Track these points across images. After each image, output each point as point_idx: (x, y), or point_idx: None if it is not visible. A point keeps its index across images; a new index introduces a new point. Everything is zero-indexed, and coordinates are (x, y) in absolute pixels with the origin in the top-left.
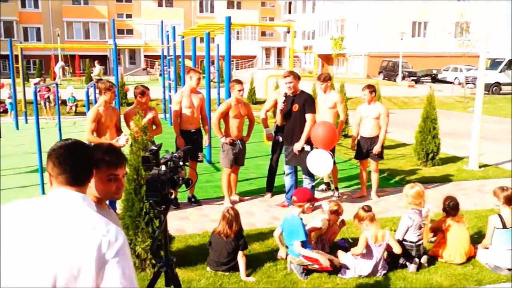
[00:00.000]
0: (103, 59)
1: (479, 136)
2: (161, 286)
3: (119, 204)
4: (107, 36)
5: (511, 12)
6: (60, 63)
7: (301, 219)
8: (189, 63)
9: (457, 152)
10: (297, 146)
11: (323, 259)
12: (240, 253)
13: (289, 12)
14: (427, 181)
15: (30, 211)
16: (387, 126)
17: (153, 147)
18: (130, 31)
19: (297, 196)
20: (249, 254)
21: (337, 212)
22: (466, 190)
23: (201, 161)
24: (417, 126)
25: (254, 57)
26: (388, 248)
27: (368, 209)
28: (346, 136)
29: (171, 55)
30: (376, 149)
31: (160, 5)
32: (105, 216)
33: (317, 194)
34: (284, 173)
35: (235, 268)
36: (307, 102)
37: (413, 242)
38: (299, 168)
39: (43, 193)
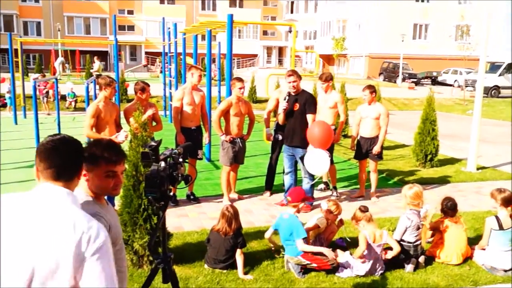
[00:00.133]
0: (103, 55)
1: (478, 138)
2: (159, 283)
3: (118, 201)
4: (108, 32)
5: (511, 15)
6: (60, 58)
7: (297, 217)
8: (190, 60)
9: (456, 154)
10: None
11: (327, 251)
12: (238, 251)
13: (291, 12)
14: (425, 182)
15: (13, 204)
16: (387, 127)
17: (153, 143)
18: (131, 28)
19: (292, 196)
20: (247, 252)
21: (332, 211)
22: (463, 192)
23: (201, 159)
24: (416, 128)
25: (256, 56)
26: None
27: (364, 209)
28: (345, 136)
29: (172, 52)
30: (376, 149)
31: (162, 2)
32: (104, 211)
33: (316, 194)
34: (283, 172)
35: (233, 266)
36: (308, 102)
37: (411, 243)
38: (298, 167)
39: None
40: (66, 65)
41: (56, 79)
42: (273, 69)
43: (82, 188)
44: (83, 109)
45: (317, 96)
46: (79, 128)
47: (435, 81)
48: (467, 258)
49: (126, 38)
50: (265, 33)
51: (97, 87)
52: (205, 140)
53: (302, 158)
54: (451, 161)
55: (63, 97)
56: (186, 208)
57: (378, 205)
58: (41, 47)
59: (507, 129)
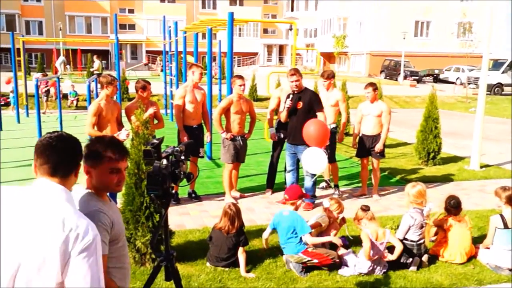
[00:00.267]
0: (105, 54)
1: (481, 136)
2: (161, 280)
3: (120, 198)
4: (109, 31)
5: (511, 15)
6: (61, 58)
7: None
8: (191, 59)
9: (459, 152)
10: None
11: (335, 238)
12: (240, 249)
13: (292, 10)
14: (428, 180)
15: (7, 198)
16: (389, 124)
17: (155, 141)
18: (132, 26)
19: (289, 194)
20: (249, 250)
21: (331, 210)
22: (467, 190)
23: (202, 157)
24: (418, 125)
25: (256, 54)
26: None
27: (366, 208)
28: (347, 134)
29: (173, 51)
30: (378, 146)
31: (162, 0)
32: (106, 208)
33: (318, 192)
34: (285, 170)
35: (235, 264)
36: (314, 101)
37: (414, 241)
38: (300, 165)
39: None
40: (68, 66)
41: (58, 78)
42: (273, 67)
43: (84, 185)
44: (85, 108)
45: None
46: (81, 126)
47: (437, 79)
48: (471, 257)
49: (127, 37)
50: (265, 31)
51: (99, 85)
52: (206, 138)
53: None
54: (454, 159)
55: (65, 96)
56: (188, 206)
57: (380, 203)
58: (43, 46)
59: (510, 127)
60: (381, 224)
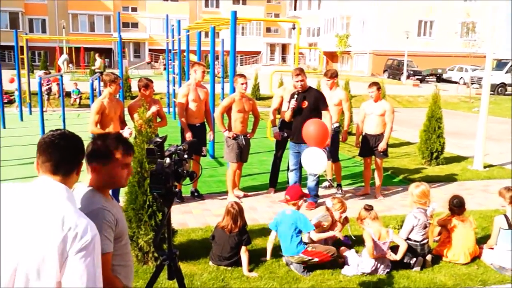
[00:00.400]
0: (108, 52)
1: (484, 136)
2: (164, 279)
3: (122, 197)
4: (112, 29)
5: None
6: (64, 56)
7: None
8: (193, 57)
9: (462, 152)
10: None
11: (338, 233)
12: (243, 248)
13: (295, 9)
14: (431, 180)
15: (8, 195)
16: (392, 123)
17: (158, 139)
18: (135, 25)
19: (290, 195)
20: (252, 250)
21: (331, 212)
22: (470, 190)
23: (205, 156)
24: (421, 125)
25: (259, 53)
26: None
27: (369, 208)
28: (350, 133)
29: (176, 49)
30: (382, 146)
31: None
32: (110, 205)
33: (321, 192)
34: (288, 169)
35: (238, 263)
36: (319, 100)
37: (417, 241)
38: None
39: None
40: (70, 65)
41: (61, 75)
42: (276, 66)
43: (86, 183)
44: (88, 106)
45: None
46: (84, 124)
47: (440, 79)
48: (475, 257)
49: (130, 35)
50: (268, 30)
51: (102, 83)
52: (209, 137)
53: None
54: (457, 159)
55: (68, 94)
56: (190, 205)
57: (383, 203)
58: (46, 44)
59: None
60: (384, 223)
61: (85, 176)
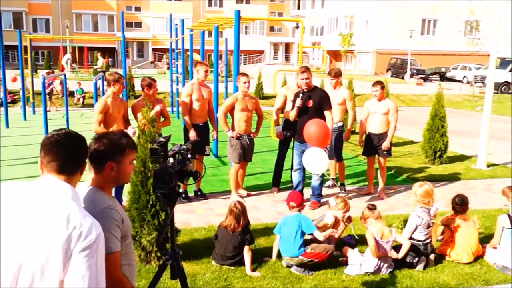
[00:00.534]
0: (111, 52)
1: (488, 135)
2: (166, 279)
3: (125, 196)
4: (116, 29)
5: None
6: (67, 55)
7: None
8: (197, 57)
9: (465, 151)
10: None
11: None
12: (246, 248)
13: (298, 8)
14: (434, 179)
15: (13, 193)
16: (396, 122)
17: (162, 139)
18: (138, 24)
19: (295, 201)
20: (255, 249)
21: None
22: (474, 189)
23: (208, 155)
24: (425, 124)
25: (262, 52)
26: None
27: (372, 207)
28: (353, 132)
29: (179, 49)
30: (385, 144)
31: None
32: (115, 204)
33: (324, 191)
34: (291, 169)
35: (241, 263)
36: (324, 100)
37: (420, 241)
38: None
39: None
40: (74, 65)
41: (65, 75)
42: (279, 65)
43: (88, 182)
44: (91, 105)
45: None
46: (87, 124)
47: (443, 77)
48: (478, 257)
49: (134, 34)
50: (271, 29)
51: (105, 83)
52: (212, 136)
53: None
54: (461, 158)
55: (71, 94)
56: (193, 204)
57: (387, 202)
58: (49, 44)
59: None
60: (387, 223)
61: (86, 175)
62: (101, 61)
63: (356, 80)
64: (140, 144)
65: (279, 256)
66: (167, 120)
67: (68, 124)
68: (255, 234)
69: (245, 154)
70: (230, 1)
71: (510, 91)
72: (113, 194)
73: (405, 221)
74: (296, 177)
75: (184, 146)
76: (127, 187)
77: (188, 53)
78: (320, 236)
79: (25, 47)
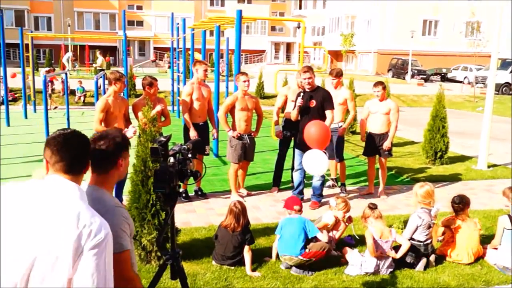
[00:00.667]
0: (112, 50)
1: (489, 135)
2: (166, 279)
3: (126, 195)
4: (117, 27)
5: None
6: (68, 54)
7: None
8: (198, 56)
9: (466, 152)
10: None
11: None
12: (246, 248)
13: (300, 8)
14: (435, 179)
15: (22, 193)
16: (397, 122)
17: (162, 139)
18: (140, 23)
19: (298, 205)
20: (255, 249)
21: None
22: (474, 190)
23: (208, 154)
24: (426, 124)
25: (263, 51)
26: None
27: (373, 206)
28: (354, 132)
29: (181, 48)
30: (386, 144)
31: None
32: (117, 204)
33: (325, 191)
34: (292, 169)
35: (241, 263)
36: (326, 100)
37: (421, 241)
38: None
39: None
40: (75, 63)
41: (66, 74)
42: (281, 65)
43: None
44: (92, 104)
45: None
46: (88, 122)
47: (444, 78)
48: (479, 258)
49: (135, 33)
50: (273, 29)
51: (106, 81)
52: (213, 135)
53: None
54: (461, 158)
55: (72, 92)
56: (194, 204)
57: (387, 202)
58: (51, 42)
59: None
60: (387, 223)
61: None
62: (100, 60)
63: (357, 80)
64: (141, 143)
65: (279, 256)
66: (167, 119)
67: (69, 122)
68: (255, 234)
69: (247, 153)
70: (231, 1)
71: (511, 92)
72: (113, 194)
73: (405, 221)
74: (296, 177)
75: (185, 146)
76: (127, 187)
77: (190, 52)
78: (324, 237)
79: (27, 45)
